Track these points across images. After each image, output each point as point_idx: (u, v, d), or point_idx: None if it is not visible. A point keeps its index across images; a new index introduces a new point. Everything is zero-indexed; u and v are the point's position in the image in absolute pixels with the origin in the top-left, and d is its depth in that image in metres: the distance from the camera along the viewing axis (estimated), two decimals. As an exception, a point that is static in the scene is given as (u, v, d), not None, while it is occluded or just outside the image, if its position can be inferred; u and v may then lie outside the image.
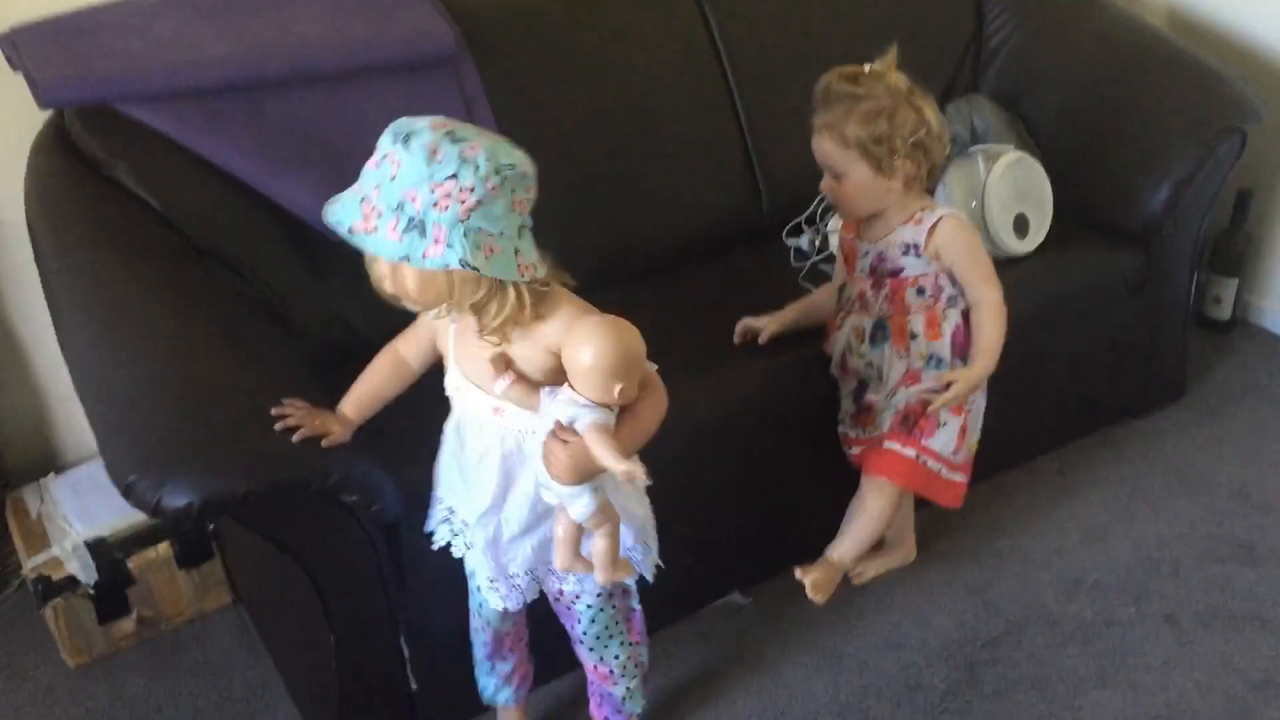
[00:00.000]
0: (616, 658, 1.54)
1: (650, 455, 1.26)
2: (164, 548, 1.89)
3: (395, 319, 1.36)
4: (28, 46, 1.69)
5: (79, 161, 1.71)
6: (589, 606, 1.48)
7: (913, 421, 1.72)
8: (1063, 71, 2.33)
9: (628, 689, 1.59)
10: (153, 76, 1.68)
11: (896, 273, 1.72)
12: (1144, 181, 2.12)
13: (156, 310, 1.47)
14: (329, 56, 1.79)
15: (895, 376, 1.74)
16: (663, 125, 2.14)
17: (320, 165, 1.74)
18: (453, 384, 1.35)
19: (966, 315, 1.73)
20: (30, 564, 1.86)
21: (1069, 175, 2.16)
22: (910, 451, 1.71)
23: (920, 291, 1.72)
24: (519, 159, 1.17)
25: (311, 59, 1.77)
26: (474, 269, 1.14)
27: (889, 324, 1.73)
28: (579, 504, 1.27)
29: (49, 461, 2.16)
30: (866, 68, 1.65)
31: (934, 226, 1.68)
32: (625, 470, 1.21)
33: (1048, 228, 2.12)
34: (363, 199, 1.16)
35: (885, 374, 1.75)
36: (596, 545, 1.33)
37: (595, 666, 1.57)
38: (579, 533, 1.33)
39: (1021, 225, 2.09)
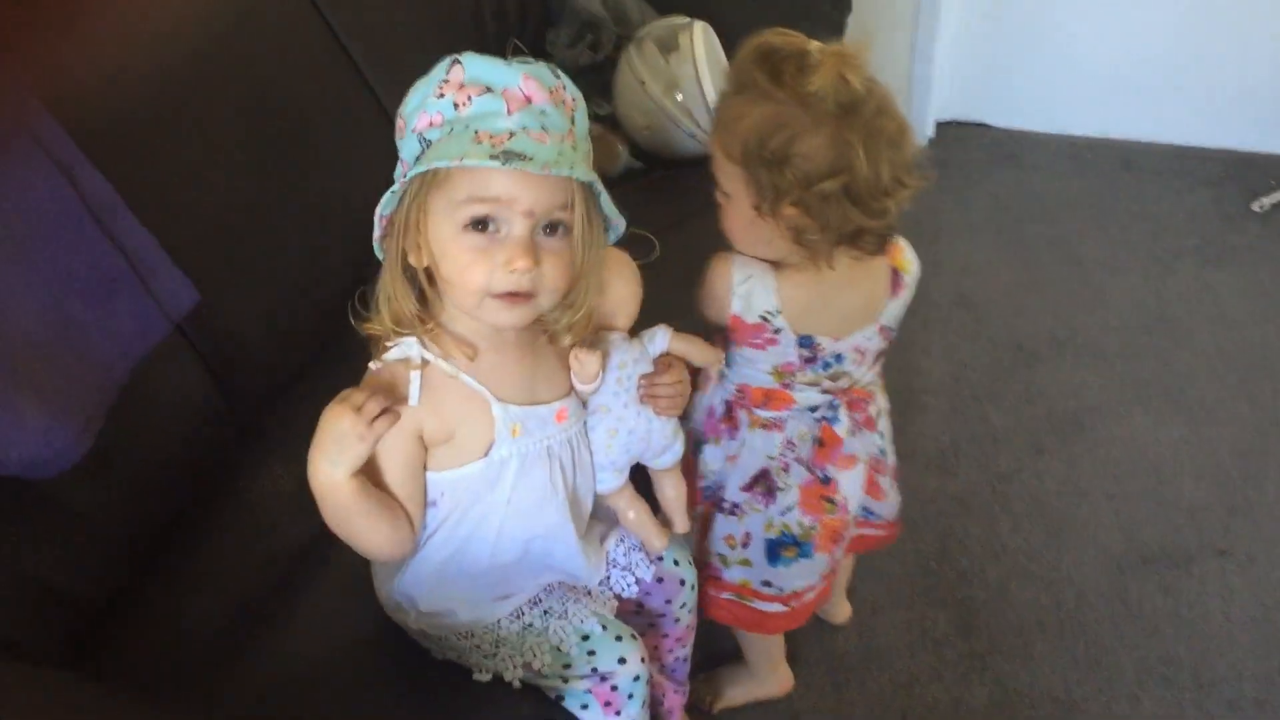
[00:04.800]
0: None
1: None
2: None
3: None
4: None
5: None
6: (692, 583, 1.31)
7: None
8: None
9: None
10: None
11: None
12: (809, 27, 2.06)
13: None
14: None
15: None
16: (321, 145, 1.73)
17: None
18: (508, 425, 1.05)
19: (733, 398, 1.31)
20: None
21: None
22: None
23: None
24: None
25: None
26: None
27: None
28: (682, 437, 1.18)
29: None
30: (813, 46, 1.09)
31: None
32: (718, 352, 1.21)
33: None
34: (573, 147, 0.98)
35: None
36: (674, 491, 1.23)
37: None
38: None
39: (727, 107, 1.96)
